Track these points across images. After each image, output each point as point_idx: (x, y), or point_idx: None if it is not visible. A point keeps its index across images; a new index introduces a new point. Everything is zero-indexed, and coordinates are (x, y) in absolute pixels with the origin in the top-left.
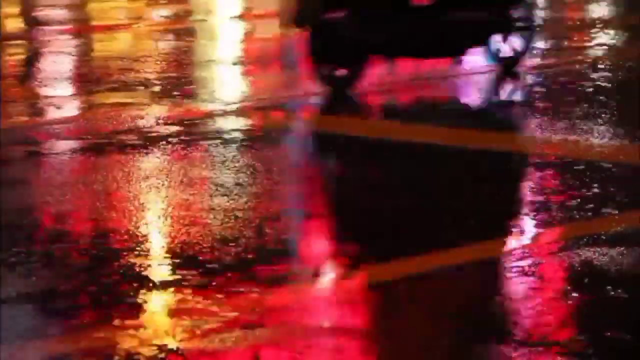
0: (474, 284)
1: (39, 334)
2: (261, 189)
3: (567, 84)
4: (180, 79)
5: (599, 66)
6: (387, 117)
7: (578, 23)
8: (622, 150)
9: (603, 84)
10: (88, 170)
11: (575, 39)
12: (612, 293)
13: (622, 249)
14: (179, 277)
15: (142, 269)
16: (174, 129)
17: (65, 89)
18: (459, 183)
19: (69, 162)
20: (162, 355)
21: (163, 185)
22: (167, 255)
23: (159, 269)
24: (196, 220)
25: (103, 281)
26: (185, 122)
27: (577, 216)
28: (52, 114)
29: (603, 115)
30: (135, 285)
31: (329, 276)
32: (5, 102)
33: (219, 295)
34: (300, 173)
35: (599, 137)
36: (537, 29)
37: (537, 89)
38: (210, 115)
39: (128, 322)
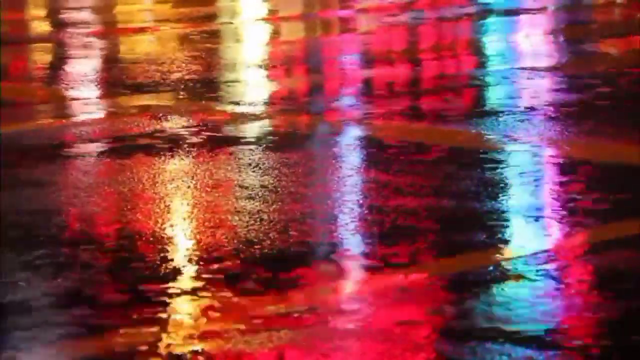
0: (499, 286)
1: (65, 335)
2: (287, 191)
3: (594, 86)
4: (206, 81)
5: (623, 69)
6: (413, 120)
7: (601, 26)
8: None
9: (629, 86)
10: (114, 172)
11: (598, 42)
12: (636, 296)
13: None
14: (203, 279)
15: (167, 270)
16: (200, 131)
17: (92, 91)
18: (484, 185)
19: (95, 164)
20: (187, 356)
21: (189, 187)
22: (193, 257)
23: (184, 271)
24: (222, 223)
25: (128, 283)
26: (211, 125)
27: (603, 219)
28: (78, 115)
29: (630, 119)
30: (160, 287)
31: (354, 278)
32: (31, 104)
33: (244, 297)
34: (326, 175)
35: (624, 140)
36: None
37: (560, 91)
38: (236, 117)
39: (153, 324)
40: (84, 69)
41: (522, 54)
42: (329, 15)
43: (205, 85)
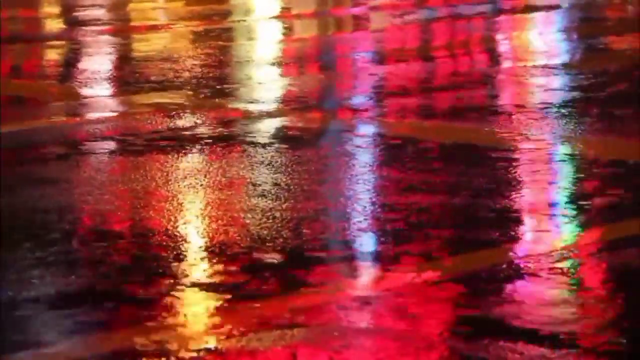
0: (512, 284)
1: (78, 332)
2: (299, 189)
3: (607, 84)
4: (218, 79)
5: (637, 66)
6: (426, 117)
7: (614, 23)
8: None
9: None
10: (127, 170)
11: (611, 39)
12: None
13: None
14: (216, 276)
15: (180, 268)
16: (213, 129)
17: (105, 89)
18: (497, 183)
19: (108, 162)
20: (200, 354)
21: (201, 185)
22: (205, 254)
23: (197, 269)
24: (234, 220)
25: (141, 280)
26: (224, 122)
27: (616, 217)
28: (92, 113)
29: None
30: (173, 284)
31: (367, 276)
32: (45, 102)
33: (257, 295)
34: (338, 173)
35: (638, 137)
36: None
37: (573, 89)
38: (249, 115)
39: (166, 321)
40: (97, 66)
41: (535, 51)
42: (341, 12)
43: (218, 83)
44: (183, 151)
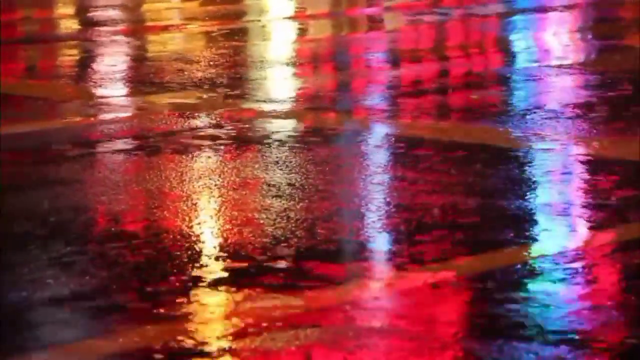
0: (526, 284)
1: (92, 332)
2: (314, 189)
3: (622, 84)
4: (233, 79)
5: None
6: (440, 117)
7: (629, 23)
8: None
9: None
10: (141, 170)
11: (625, 39)
12: None
13: None
14: (230, 277)
15: (195, 268)
16: (227, 129)
17: (119, 89)
18: (511, 183)
19: (123, 162)
20: (214, 354)
21: (216, 185)
22: (220, 255)
23: (212, 269)
24: (248, 220)
25: (156, 280)
26: (238, 123)
27: (631, 217)
28: (106, 114)
29: None
30: (187, 284)
31: (381, 276)
32: (59, 102)
33: (271, 295)
34: (353, 173)
35: None
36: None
37: (588, 89)
38: (263, 115)
39: (180, 321)
40: (111, 67)
41: (550, 51)
42: (356, 13)
43: (233, 83)
44: (197, 151)
